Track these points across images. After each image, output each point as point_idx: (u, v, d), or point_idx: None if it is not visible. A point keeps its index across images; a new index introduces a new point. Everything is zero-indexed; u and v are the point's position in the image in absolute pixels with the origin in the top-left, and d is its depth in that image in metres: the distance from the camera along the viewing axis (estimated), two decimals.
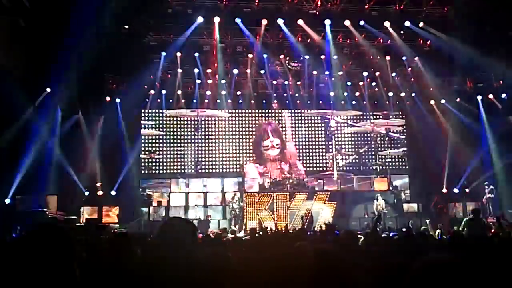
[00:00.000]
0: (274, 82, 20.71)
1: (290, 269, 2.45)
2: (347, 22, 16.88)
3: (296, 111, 22.14)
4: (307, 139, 22.48)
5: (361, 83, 20.75)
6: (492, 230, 10.94)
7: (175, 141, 21.14)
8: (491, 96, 19.68)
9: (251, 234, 8.66)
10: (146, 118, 20.97)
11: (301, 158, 22.16)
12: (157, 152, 20.85)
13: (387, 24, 17.00)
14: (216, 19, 16.50)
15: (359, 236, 6.83)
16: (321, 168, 22.15)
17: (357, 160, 22.49)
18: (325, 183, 20.35)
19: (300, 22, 16.75)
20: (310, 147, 22.47)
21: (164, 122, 21.12)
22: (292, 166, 21.15)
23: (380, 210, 17.29)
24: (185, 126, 21.26)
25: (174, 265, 2.44)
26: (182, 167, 20.95)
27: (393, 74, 20.11)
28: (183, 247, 2.54)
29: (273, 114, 22.03)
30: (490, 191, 17.88)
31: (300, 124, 22.42)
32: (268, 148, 21.76)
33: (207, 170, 21.04)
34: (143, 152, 20.61)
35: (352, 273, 2.40)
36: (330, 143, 22.48)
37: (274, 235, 8.29)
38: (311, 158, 22.36)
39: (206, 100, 20.83)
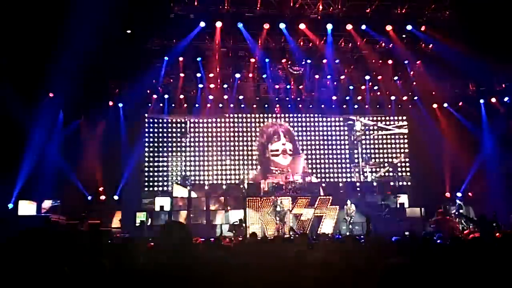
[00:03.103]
0: (276, 86, 20.71)
1: (288, 274, 2.45)
2: (348, 26, 16.89)
3: (309, 115, 21.88)
4: (324, 148, 21.76)
5: (363, 87, 20.76)
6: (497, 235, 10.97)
7: (175, 147, 21.16)
8: (493, 100, 19.66)
9: (251, 239, 8.65)
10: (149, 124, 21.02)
11: (315, 171, 21.48)
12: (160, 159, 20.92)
13: (388, 28, 17.00)
14: (218, 24, 16.53)
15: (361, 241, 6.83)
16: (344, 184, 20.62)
17: (391, 173, 21.61)
18: (327, 187, 20.30)
19: (302, 26, 16.76)
20: (329, 157, 21.68)
21: (165, 128, 21.17)
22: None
23: (351, 214, 17.26)
24: (183, 131, 21.21)
25: (174, 268, 2.44)
26: (182, 174, 20.94)
27: (395, 78, 20.10)
28: (181, 249, 2.54)
29: (275, 118, 22.00)
30: (459, 207, 16.84)
31: (314, 129, 21.98)
32: (279, 154, 21.24)
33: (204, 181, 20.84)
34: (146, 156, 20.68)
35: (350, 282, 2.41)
36: (355, 151, 21.87)
37: (275, 239, 8.26)
38: (330, 171, 21.50)
39: (208, 105, 20.86)
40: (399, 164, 21.80)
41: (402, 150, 22.04)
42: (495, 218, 11.68)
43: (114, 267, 3.76)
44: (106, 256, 5.19)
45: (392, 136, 22.17)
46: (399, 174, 21.54)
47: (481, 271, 3.27)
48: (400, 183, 21.20)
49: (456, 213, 16.59)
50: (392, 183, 20.91)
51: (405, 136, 22.11)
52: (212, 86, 19.90)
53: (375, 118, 22.18)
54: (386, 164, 21.71)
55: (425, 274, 1.40)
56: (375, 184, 20.69)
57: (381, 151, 22.01)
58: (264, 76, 19.94)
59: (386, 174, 21.54)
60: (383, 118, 22.21)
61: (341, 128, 22.13)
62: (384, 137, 22.12)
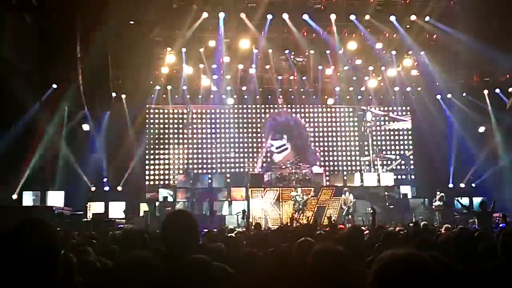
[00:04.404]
0: (279, 77, 20.65)
1: (291, 266, 2.46)
2: (352, 17, 16.81)
3: (312, 106, 21.75)
4: (333, 140, 21.60)
5: (366, 78, 20.68)
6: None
7: (178, 138, 21.18)
8: (497, 90, 19.56)
9: (255, 229, 8.68)
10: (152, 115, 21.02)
11: (321, 162, 21.31)
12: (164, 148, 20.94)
13: (392, 18, 16.91)
14: (221, 15, 16.49)
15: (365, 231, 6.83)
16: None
17: (403, 166, 21.50)
18: (330, 178, 20.31)
19: (305, 17, 16.70)
20: (336, 149, 21.52)
21: (168, 118, 21.18)
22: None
23: (348, 204, 17.22)
24: (186, 122, 21.15)
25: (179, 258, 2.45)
26: (188, 164, 20.96)
27: (399, 68, 20.01)
28: (185, 241, 2.54)
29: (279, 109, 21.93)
30: (440, 198, 16.58)
31: (322, 120, 21.85)
32: (279, 152, 21.32)
33: (208, 170, 20.81)
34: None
35: (353, 273, 2.41)
36: (365, 143, 21.66)
37: (279, 230, 8.29)
38: (337, 163, 21.34)
39: (212, 96, 20.83)
40: (411, 157, 21.68)
41: (407, 142, 21.97)
42: (493, 207, 11.64)
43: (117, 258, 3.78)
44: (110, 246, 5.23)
45: (399, 128, 22.08)
46: (411, 167, 21.45)
47: (485, 261, 3.27)
48: (405, 175, 21.16)
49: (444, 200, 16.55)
50: (398, 176, 20.81)
51: (409, 127, 22.04)
52: (215, 77, 19.87)
53: (381, 108, 22.11)
54: (398, 157, 21.64)
55: (430, 264, 1.41)
56: (380, 175, 20.58)
57: (392, 142, 21.95)
58: (267, 67, 19.88)
59: (398, 167, 21.47)
60: (386, 109, 22.14)
61: (350, 119, 21.99)
62: (393, 128, 22.04)
